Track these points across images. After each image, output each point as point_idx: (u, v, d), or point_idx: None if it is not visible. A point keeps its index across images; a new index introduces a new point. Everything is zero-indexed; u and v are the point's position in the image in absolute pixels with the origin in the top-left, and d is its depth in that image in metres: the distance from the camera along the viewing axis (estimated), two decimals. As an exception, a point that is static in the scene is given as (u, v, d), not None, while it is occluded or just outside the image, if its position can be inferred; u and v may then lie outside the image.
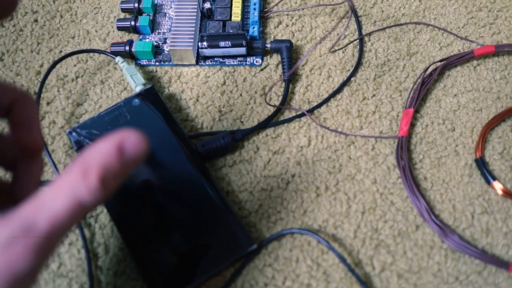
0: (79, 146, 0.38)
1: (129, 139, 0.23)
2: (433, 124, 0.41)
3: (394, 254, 0.35)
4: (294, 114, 0.41)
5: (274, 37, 0.46)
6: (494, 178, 0.37)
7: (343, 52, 0.45)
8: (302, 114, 0.41)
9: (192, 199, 0.36)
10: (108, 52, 0.44)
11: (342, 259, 0.34)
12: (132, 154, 0.23)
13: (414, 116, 0.41)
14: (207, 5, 0.46)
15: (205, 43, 0.43)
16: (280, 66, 0.44)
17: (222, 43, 0.43)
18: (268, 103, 0.41)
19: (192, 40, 0.43)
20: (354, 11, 0.47)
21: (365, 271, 0.35)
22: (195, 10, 0.44)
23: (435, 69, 0.43)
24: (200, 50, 0.43)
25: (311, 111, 0.41)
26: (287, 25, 0.46)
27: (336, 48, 0.45)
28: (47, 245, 0.22)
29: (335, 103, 0.42)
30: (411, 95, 0.41)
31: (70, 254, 0.36)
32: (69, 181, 0.22)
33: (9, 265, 0.21)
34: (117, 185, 0.23)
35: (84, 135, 0.39)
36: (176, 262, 0.34)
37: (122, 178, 0.23)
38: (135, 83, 0.41)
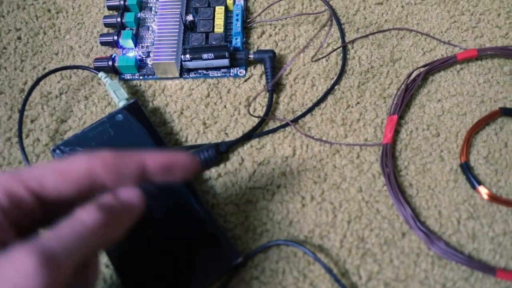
0: (63, 163, 0.38)
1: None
2: (417, 130, 0.41)
3: (380, 262, 0.35)
4: (278, 124, 0.41)
5: (258, 48, 0.46)
6: (480, 183, 0.37)
7: (326, 60, 0.45)
8: (287, 124, 0.41)
9: (177, 214, 0.36)
10: (91, 68, 0.44)
11: (329, 270, 0.34)
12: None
13: (399, 122, 0.41)
14: (190, 17, 0.46)
15: (188, 56, 0.43)
16: (264, 77, 0.44)
17: (205, 55, 0.43)
18: (252, 114, 0.41)
19: (175, 53, 0.43)
20: (336, 18, 0.47)
21: (352, 281, 0.35)
22: (178, 23, 0.44)
23: (418, 75, 0.42)
24: (183, 62, 0.43)
25: (295, 120, 0.41)
26: (270, 35, 0.46)
27: (319, 56, 0.45)
28: None
29: (319, 112, 0.42)
30: (395, 102, 0.41)
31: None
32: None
33: None
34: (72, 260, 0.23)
35: (68, 152, 0.39)
36: (161, 278, 0.34)
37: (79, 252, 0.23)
38: (119, 98, 0.41)
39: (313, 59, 0.44)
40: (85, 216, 0.24)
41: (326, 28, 0.47)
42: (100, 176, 0.26)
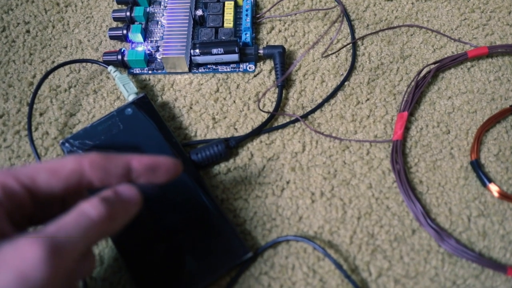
0: (72, 156, 0.38)
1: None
2: (427, 127, 0.40)
3: (390, 259, 0.35)
4: (288, 120, 0.41)
5: (267, 43, 0.46)
6: (490, 181, 0.37)
7: (336, 56, 0.44)
8: (296, 120, 0.41)
9: (186, 208, 0.36)
10: (101, 62, 0.44)
11: (338, 266, 0.34)
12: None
13: (409, 119, 0.41)
14: (199, 12, 0.45)
15: (197, 51, 0.43)
16: (273, 72, 0.44)
17: (214, 50, 0.43)
18: (261, 110, 0.41)
19: (185, 48, 0.43)
20: (346, 15, 0.46)
21: (362, 277, 0.34)
22: (187, 17, 0.44)
23: (428, 72, 0.42)
24: (192, 57, 0.43)
25: (305, 116, 0.41)
26: (279, 31, 0.46)
27: (329, 52, 0.44)
28: None
29: (329, 108, 0.42)
30: (405, 99, 0.41)
31: (64, 266, 0.35)
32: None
33: None
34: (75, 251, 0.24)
35: (77, 145, 0.39)
36: (171, 272, 0.34)
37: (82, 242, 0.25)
38: (128, 92, 0.41)
39: (323, 55, 0.44)
40: (89, 209, 0.25)
41: (336, 24, 0.46)
42: (88, 174, 0.27)
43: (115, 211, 0.26)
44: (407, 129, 0.40)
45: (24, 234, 0.23)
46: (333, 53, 0.44)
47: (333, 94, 0.42)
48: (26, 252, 0.22)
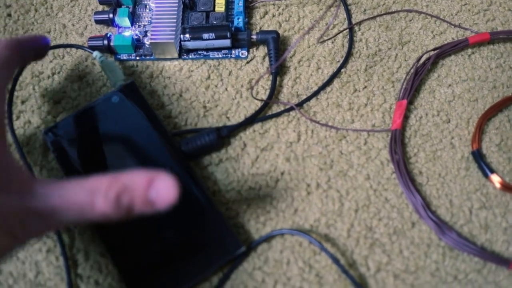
0: (56, 147, 0.36)
1: (164, 182, 0.26)
2: (427, 116, 0.39)
3: (389, 253, 0.34)
4: (282, 108, 0.40)
5: (260, 28, 0.44)
6: (492, 171, 0.36)
7: (332, 42, 0.43)
8: (291, 108, 0.39)
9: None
10: (86, 47, 0.42)
11: (335, 260, 0.32)
12: (158, 197, 0.25)
13: (408, 108, 0.39)
14: (189, -5, 0.43)
15: (187, 36, 0.41)
16: (267, 59, 0.42)
17: (205, 35, 0.41)
18: (254, 97, 0.39)
19: (174, 33, 0.41)
20: (344, 2, 0.45)
21: (360, 272, 0.33)
22: (177, 1, 0.42)
23: (428, 59, 0.41)
24: (182, 43, 0.41)
25: (300, 105, 0.40)
26: (273, 15, 0.44)
27: (325, 38, 0.43)
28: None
29: (325, 96, 0.40)
30: (404, 86, 0.40)
31: (48, 262, 0.34)
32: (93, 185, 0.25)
33: None
34: (128, 214, 0.26)
35: (61, 135, 0.37)
36: (160, 269, 0.32)
37: (136, 211, 0.26)
38: (114, 79, 0.39)
39: (319, 41, 0.42)
40: None
41: (332, 9, 0.45)
42: None
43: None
44: (406, 118, 0.39)
45: None
46: (329, 38, 0.43)
47: (329, 82, 0.41)
48: None
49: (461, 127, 0.38)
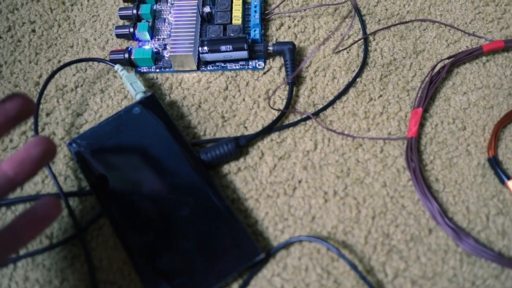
0: (80, 157, 0.38)
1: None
2: (443, 123, 0.39)
3: (407, 259, 0.34)
4: (299, 117, 0.40)
5: (276, 40, 0.45)
6: (509, 178, 0.36)
7: (347, 52, 0.43)
8: (308, 118, 0.40)
9: (196, 209, 0.35)
10: (107, 60, 0.43)
11: (353, 267, 0.33)
12: None
13: (423, 115, 0.40)
14: (207, 9, 0.45)
15: (205, 48, 0.42)
16: (283, 69, 0.43)
17: (223, 47, 0.42)
18: (272, 107, 0.40)
19: (192, 46, 0.42)
20: (357, 10, 0.45)
21: (378, 278, 0.33)
22: (195, 14, 0.43)
23: (443, 67, 0.41)
24: (201, 55, 0.42)
25: (316, 114, 0.40)
26: (289, 27, 0.45)
27: (340, 48, 0.43)
28: None
29: (341, 105, 0.41)
30: (419, 95, 0.40)
31: (73, 269, 0.35)
32: None
33: None
34: None
35: (85, 146, 0.38)
36: (181, 275, 0.33)
37: None
38: (135, 91, 0.40)
39: (334, 51, 0.43)
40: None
41: (347, 19, 0.45)
42: None
43: None
44: (421, 126, 0.39)
45: None
46: (344, 49, 0.43)
47: (345, 91, 0.41)
48: None
49: (476, 134, 0.39)
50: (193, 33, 0.42)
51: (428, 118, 0.40)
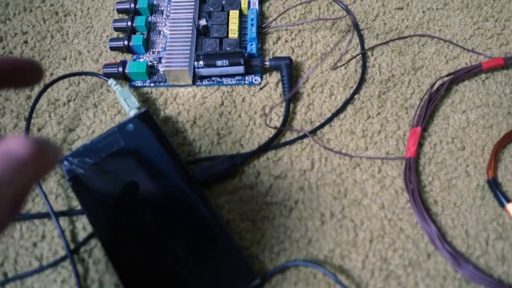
0: (71, 175, 0.37)
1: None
2: (441, 143, 0.39)
3: (405, 285, 0.33)
4: (296, 135, 0.40)
5: (273, 54, 0.44)
6: (508, 200, 0.35)
7: (345, 68, 0.43)
8: (304, 135, 0.39)
9: (190, 230, 0.34)
10: (101, 75, 0.42)
11: (350, 292, 0.32)
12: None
13: (422, 134, 0.39)
14: (203, 22, 0.44)
15: (201, 62, 0.41)
16: (280, 85, 0.42)
17: (219, 62, 0.41)
18: (268, 125, 0.39)
19: (188, 60, 0.41)
20: (355, 24, 0.45)
21: (375, 304, 0.33)
22: (191, 27, 0.43)
23: (442, 85, 0.41)
24: (196, 69, 0.42)
25: (313, 132, 0.40)
26: (286, 41, 0.45)
27: (338, 65, 0.43)
28: None
29: (338, 122, 0.40)
30: (417, 113, 0.40)
31: (63, 292, 0.34)
32: None
33: None
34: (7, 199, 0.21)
35: (77, 163, 0.37)
36: (174, 300, 0.32)
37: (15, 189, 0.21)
38: (129, 107, 0.40)
39: (332, 68, 0.42)
40: (18, 148, 0.21)
41: (344, 33, 0.45)
42: None
43: (44, 149, 0.22)
44: (420, 145, 0.39)
45: None
46: (342, 65, 0.43)
47: (342, 108, 0.41)
48: None
49: (476, 155, 0.38)
50: (189, 47, 0.42)
51: (426, 137, 0.39)
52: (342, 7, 0.46)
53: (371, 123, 0.40)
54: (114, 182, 0.36)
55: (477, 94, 0.41)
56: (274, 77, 0.43)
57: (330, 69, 0.43)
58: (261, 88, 0.42)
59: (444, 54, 0.43)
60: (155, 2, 0.47)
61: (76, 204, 0.37)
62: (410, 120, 0.40)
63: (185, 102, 0.42)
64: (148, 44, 0.45)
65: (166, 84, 0.43)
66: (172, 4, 0.44)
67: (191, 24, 0.43)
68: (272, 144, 0.39)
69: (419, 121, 0.39)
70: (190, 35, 0.42)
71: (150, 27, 0.46)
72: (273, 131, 0.40)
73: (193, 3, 0.44)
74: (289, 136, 0.40)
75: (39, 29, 0.46)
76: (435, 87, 0.41)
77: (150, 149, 0.38)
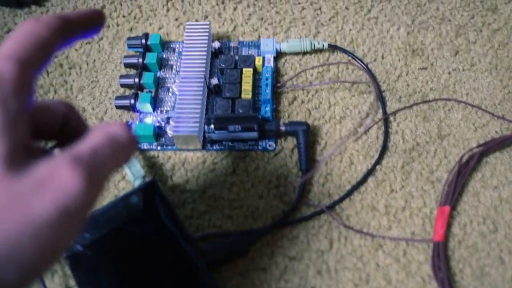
0: (70, 253, 0.34)
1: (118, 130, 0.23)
2: (472, 223, 0.36)
3: None
4: (312, 209, 0.37)
5: (289, 116, 0.41)
6: (548, 294, 0.32)
7: (366, 134, 0.40)
8: (322, 211, 0.36)
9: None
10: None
11: None
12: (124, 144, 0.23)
13: (450, 213, 0.36)
14: (215, 80, 0.41)
15: (212, 127, 0.39)
16: (295, 151, 0.39)
17: (231, 127, 0.38)
18: (282, 201, 0.37)
19: (198, 125, 0.38)
20: (376, 85, 0.42)
21: None
22: (201, 86, 0.40)
23: (471, 157, 0.38)
24: (207, 134, 0.39)
25: (331, 206, 0.37)
26: (302, 101, 0.42)
27: (359, 130, 0.40)
28: None
29: (359, 196, 0.37)
30: (445, 189, 0.37)
31: None
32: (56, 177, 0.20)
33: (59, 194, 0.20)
34: (107, 177, 0.22)
35: (77, 240, 0.34)
36: None
37: (112, 169, 0.23)
38: (134, 175, 0.37)
39: (354, 140, 0.40)
40: (120, 132, 0.23)
41: (365, 95, 0.42)
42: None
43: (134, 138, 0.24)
44: (448, 225, 0.35)
45: (57, 156, 0.21)
46: (364, 131, 0.40)
47: (363, 180, 0.38)
48: (67, 182, 0.20)
49: (510, 238, 0.35)
50: (199, 110, 0.39)
51: (455, 216, 0.36)
52: (362, 67, 0.43)
53: (394, 198, 0.37)
54: (116, 262, 0.33)
55: (510, 167, 0.38)
56: (290, 142, 0.40)
57: (350, 135, 0.40)
58: (275, 155, 0.39)
59: (472, 120, 0.40)
60: (164, 56, 0.44)
61: (72, 284, 0.34)
62: (437, 196, 0.37)
63: (194, 168, 0.39)
64: (156, 102, 0.42)
65: (174, 147, 0.40)
66: (182, 59, 0.42)
67: (202, 82, 0.40)
68: (288, 219, 0.36)
69: (447, 199, 0.36)
70: (200, 96, 0.40)
71: (159, 83, 0.43)
72: (288, 205, 0.37)
73: (204, 59, 0.41)
74: (305, 210, 0.37)
75: (42, 82, 0.44)
76: (464, 160, 0.38)
77: (156, 223, 0.35)
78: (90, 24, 0.27)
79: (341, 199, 0.37)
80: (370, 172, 0.38)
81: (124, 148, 0.23)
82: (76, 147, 0.21)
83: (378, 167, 0.38)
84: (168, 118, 0.41)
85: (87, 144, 0.22)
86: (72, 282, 0.34)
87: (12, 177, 0.20)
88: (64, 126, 0.26)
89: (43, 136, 0.26)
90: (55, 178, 0.20)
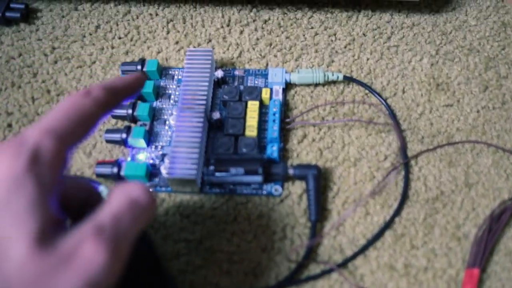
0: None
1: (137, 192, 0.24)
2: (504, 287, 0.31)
3: None
4: (322, 267, 0.32)
5: (298, 155, 0.37)
6: None
7: (383, 179, 0.36)
8: (332, 269, 0.32)
9: None
10: (92, 180, 0.35)
11: None
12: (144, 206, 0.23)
13: (480, 277, 0.32)
14: (216, 115, 0.37)
15: (212, 168, 0.34)
16: (304, 197, 0.35)
17: (233, 170, 0.34)
18: (289, 259, 0.32)
19: (196, 166, 0.34)
20: (396, 123, 0.38)
21: None
22: (201, 121, 0.36)
23: (503, 210, 0.33)
24: (205, 176, 0.35)
25: (343, 264, 0.32)
26: (313, 140, 0.38)
27: (375, 175, 0.36)
28: None
29: (375, 253, 0.33)
30: (474, 248, 0.32)
31: None
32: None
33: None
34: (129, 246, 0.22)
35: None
36: None
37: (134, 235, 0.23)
38: (122, 224, 0.33)
39: (371, 196, 0.35)
40: (141, 197, 0.23)
41: (383, 134, 0.38)
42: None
43: (154, 196, 0.25)
44: (477, 291, 0.31)
45: (81, 226, 0.21)
46: (383, 180, 0.36)
47: (380, 234, 0.33)
48: (92, 257, 0.20)
49: (548, 310, 0.30)
50: (198, 149, 0.35)
51: (485, 280, 0.32)
52: (381, 102, 0.39)
53: (415, 256, 0.33)
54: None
55: (546, 224, 0.33)
56: (298, 186, 0.36)
57: (369, 197, 0.35)
58: (281, 200, 0.35)
59: (503, 167, 0.36)
60: (162, 84, 0.40)
61: None
62: (463, 254, 0.32)
63: (190, 213, 0.35)
64: (150, 136, 0.38)
65: (169, 189, 0.36)
66: (181, 90, 0.37)
67: (202, 117, 0.36)
68: (294, 278, 0.32)
69: (476, 260, 0.32)
70: (200, 133, 0.35)
71: (155, 114, 0.39)
72: (294, 261, 0.33)
73: (205, 90, 0.37)
74: (314, 268, 0.32)
75: (27, 110, 0.40)
76: (495, 213, 0.34)
77: (146, 278, 0.31)
78: (134, 91, 0.28)
79: (355, 256, 0.33)
80: (388, 225, 0.34)
81: (144, 211, 0.23)
82: (98, 214, 0.22)
83: (397, 219, 0.34)
84: (163, 155, 0.37)
85: (109, 211, 0.22)
86: None
87: (40, 253, 0.20)
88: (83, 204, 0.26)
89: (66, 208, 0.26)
90: (80, 252, 0.20)
